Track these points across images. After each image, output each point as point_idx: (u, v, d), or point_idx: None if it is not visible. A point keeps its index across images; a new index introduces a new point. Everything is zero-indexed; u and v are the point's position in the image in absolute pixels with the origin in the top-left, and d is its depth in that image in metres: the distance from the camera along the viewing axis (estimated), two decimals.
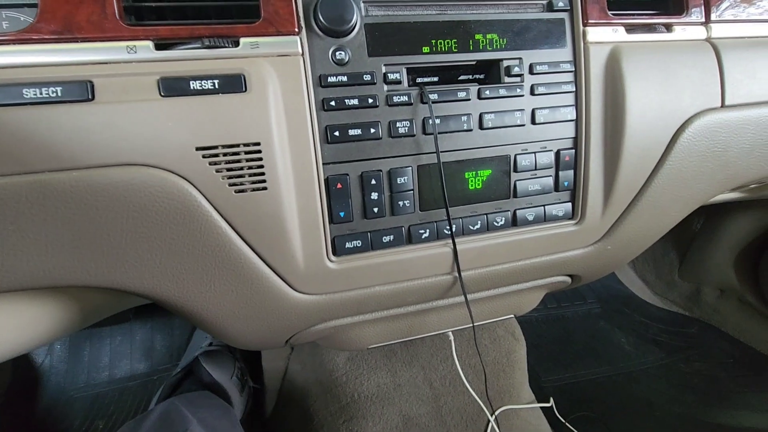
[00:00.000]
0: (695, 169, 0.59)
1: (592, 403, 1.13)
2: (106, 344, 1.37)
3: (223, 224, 0.44)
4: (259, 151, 0.44)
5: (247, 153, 0.43)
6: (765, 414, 1.08)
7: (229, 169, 0.43)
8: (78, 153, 0.39)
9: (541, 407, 0.99)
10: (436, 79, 0.53)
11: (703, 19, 0.59)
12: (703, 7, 0.58)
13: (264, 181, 0.44)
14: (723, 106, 0.58)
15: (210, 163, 0.42)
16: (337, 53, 0.47)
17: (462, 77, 0.54)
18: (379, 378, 0.88)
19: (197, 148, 0.42)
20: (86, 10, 0.40)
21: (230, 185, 0.44)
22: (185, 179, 0.42)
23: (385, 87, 0.49)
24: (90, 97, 0.39)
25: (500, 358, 0.95)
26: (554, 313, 1.52)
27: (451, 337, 0.80)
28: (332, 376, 0.90)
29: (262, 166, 0.44)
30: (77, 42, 0.40)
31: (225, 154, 0.43)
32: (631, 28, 0.55)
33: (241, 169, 0.44)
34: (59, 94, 0.38)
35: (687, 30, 0.58)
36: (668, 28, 0.57)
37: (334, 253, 0.51)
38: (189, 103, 0.41)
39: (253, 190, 0.44)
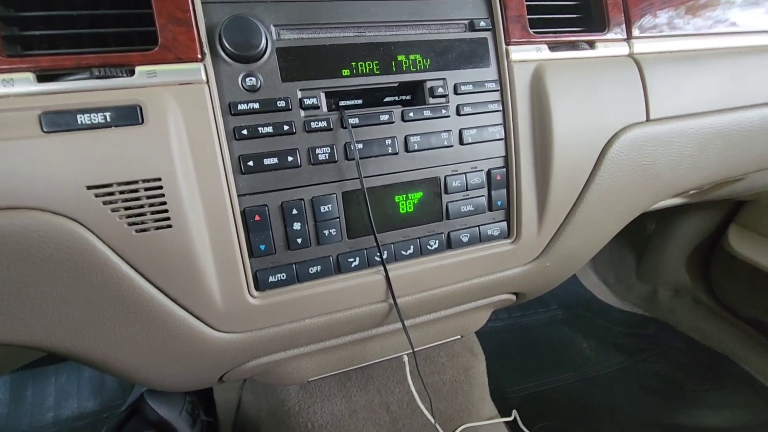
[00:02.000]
0: (626, 183, 0.60)
1: (556, 411, 1.13)
2: (51, 383, 1.28)
3: (124, 267, 0.41)
4: (161, 187, 0.40)
5: (147, 189, 0.40)
6: (722, 411, 1.11)
7: (127, 208, 0.40)
8: None
9: (504, 422, 0.98)
10: (360, 102, 0.51)
11: (625, 36, 0.59)
12: (624, 24, 0.59)
13: (168, 218, 0.41)
14: (648, 120, 0.59)
15: (104, 203, 0.39)
16: (248, 79, 0.44)
17: (387, 99, 0.52)
18: (334, 405, 0.85)
19: (88, 187, 0.38)
20: None
21: (129, 224, 0.40)
22: (75, 221, 0.39)
23: (302, 113, 0.47)
24: None
25: (458, 375, 0.94)
26: (518, 322, 1.52)
27: (405, 359, 0.78)
28: (285, 406, 0.86)
29: (164, 203, 0.41)
30: None
31: (122, 192, 0.40)
32: (554, 46, 0.56)
33: (141, 207, 0.40)
34: None
35: (609, 47, 0.58)
36: (591, 45, 0.58)
37: (257, 288, 0.48)
38: (77, 139, 0.38)
39: (157, 228, 0.41)
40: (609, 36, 0.58)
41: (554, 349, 1.40)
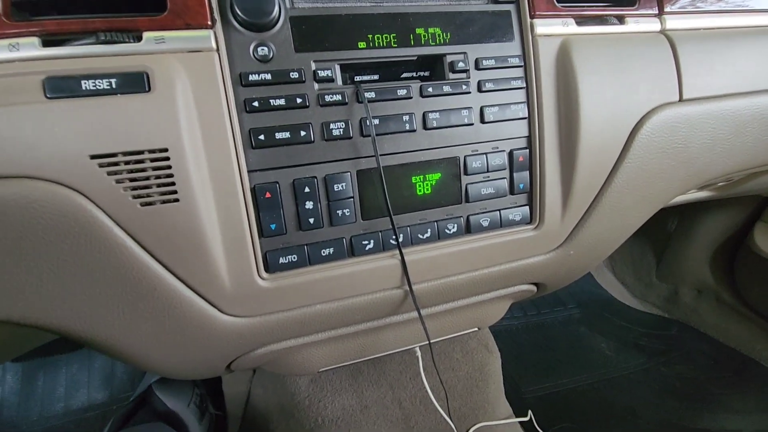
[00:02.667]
0: (656, 167, 0.56)
1: (574, 412, 1.09)
2: (62, 373, 1.28)
3: (129, 242, 0.39)
4: (167, 158, 0.39)
5: (153, 161, 0.38)
6: (747, 415, 1.06)
7: (132, 179, 0.38)
8: None
9: (519, 422, 0.95)
10: (376, 77, 0.49)
11: (657, 11, 0.56)
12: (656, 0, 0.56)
13: (175, 192, 0.39)
14: (681, 100, 0.55)
15: (108, 173, 0.37)
16: (259, 49, 0.42)
17: (405, 75, 0.50)
18: (344, 400, 0.83)
19: (92, 156, 0.37)
20: None
21: (134, 197, 0.38)
22: (78, 191, 0.37)
23: (316, 85, 0.45)
24: None
25: (473, 372, 0.91)
26: (534, 321, 1.48)
27: (419, 353, 0.75)
28: (294, 400, 0.84)
29: (171, 175, 0.39)
30: None
31: (127, 163, 0.38)
32: (581, 20, 0.52)
33: (147, 179, 0.38)
34: None
35: (640, 22, 0.55)
36: (621, 20, 0.54)
37: (267, 270, 0.46)
38: (81, 106, 0.36)
39: (163, 202, 0.39)
40: (640, 11, 0.55)
41: (571, 349, 1.36)
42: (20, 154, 0.35)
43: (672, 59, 0.55)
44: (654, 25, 0.56)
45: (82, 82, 0.36)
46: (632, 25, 0.55)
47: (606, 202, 0.56)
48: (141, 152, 0.38)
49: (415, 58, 0.48)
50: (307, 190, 0.45)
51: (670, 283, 1.48)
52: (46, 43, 0.37)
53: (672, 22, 0.57)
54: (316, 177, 0.46)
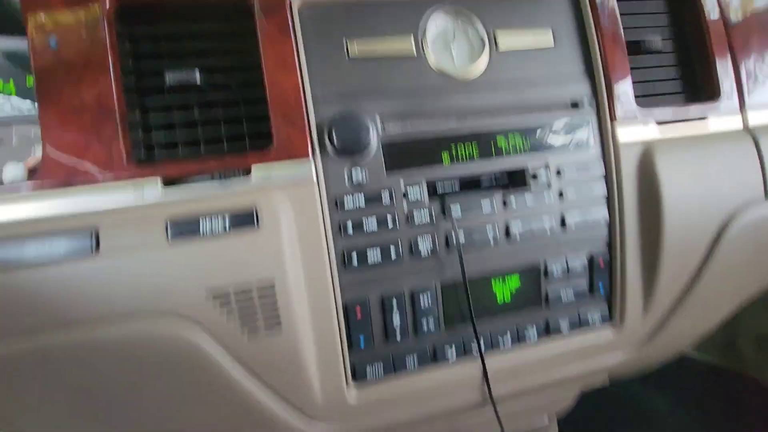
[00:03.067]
0: (744, 265, 0.55)
1: None
2: None
3: (237, 367, 0.41)
4: (273, 291, 0.41)
5: (260, 293, 0.40)
6: None
7: (241, 310, 0.40)
8: (79, 310, 0.36)
9: None
10: (457, 183, 0.50)
11: (738, 106, 0.55)
12: (737, 93, 0.55)
13: (279, 321, 0.41)
14: (767, 197, 0.54)
15: (221, 305, 0.40)
16: (353, 174, 0.44)
17: (485, 184, 0.51)
18: None
19: (207, 292, 0.39)
20: (93, 155, 0.38)
21: (242, 327, 0.40)
22: (194, 324, 0.39)
23: (405, 204, 0.46)
24: (94, 250, 0.37)
25: None
26: None
27: None
28: None
29: (276, 305, 0.41)
30: (82, 186, 0.38)
31: (236, 294, 0.40)
32: (662, 122, 0.52)
33: (254, 310, 0.40)
34: (62, 250, 0.36)
35: (722, 119, 0.54)
36: (702, 118, 0.54)
37: (354, 380, 0.47)
38: (198, 246, 0.39)
39: (267, 328, 0.41)
40: (721, 107, 0.54)
41: (622, 403, 1.31)
42: (146, 296, 0.38)
43: (756, 156, 0.54)
44: (736, 122, 0.55)
45: (201, 224, 0.39)
46: (714, 123, 0.54)
47: (690, 300, 0.54)
48: (250, 286, 0.40)
49: (497, 170, 0.49)
50: (394, 305, 0.47)
51: (729, 333, 1.41)
52: (166, 182, 0.40)
53: (755, 117, 0.55)
54: (403, 291, 0.47)
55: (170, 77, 0.41)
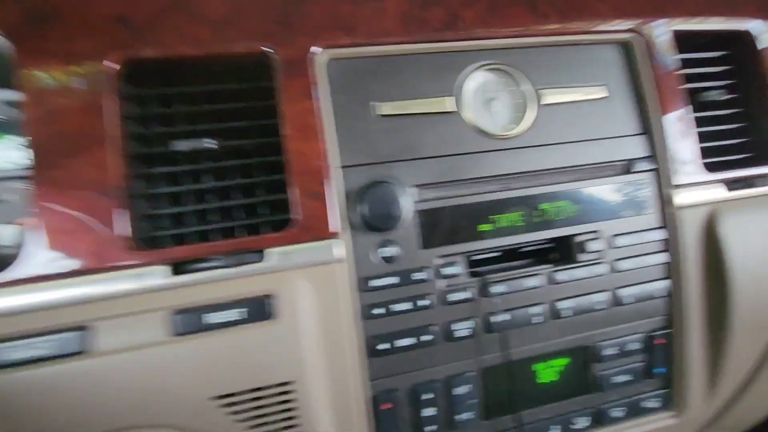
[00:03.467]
0: None
1: None
2: None
3: None
4: (291, 391, 0.35)
5: (276, 395, 0.35)
6: None
7: (253, 417, 0.35)
8: (64, 422, 0.31)
9: None
10: (498, 255, 0.44)
11: None
12: None
13: (298, 425, 0.35)
14: None
15: (229, 413, 0.34)
16: (383, 250, 0.39)
17: (528, 249, 0.45)
18: None
19: (214, 397, 0.33)
20: (87, 240, 0.33)
21: None
22: None
23: (441, 283, 0.40)
24: (81, 349, 0.32)
25: None
26: None
27: None
28: None
29: (294, 408, 0.35)
30: (74, 277, 0.33)
31: (249, 400, 0.34)
32: (727, 184, 0.46)
33: (269, 414, 0.35)
34: (45, 350, 0.31)
35: None
36: None
37: None
38: (205, 342, 0.33)
39: None
40: None
41: None
42: (141, 404, 0.32)
43: None
44: None
45: (210, 316, 0.34)
46: None
47: (760, 380, 0.48)
48: (264, 387, 0.34)
49: (542, 241, 0.43)
50: (428, 396, 0.41)
51: None
52: (173, 271, 0.35)
53: None
54: (437, 380, 0.41)
55: (182, 144, 0.36)
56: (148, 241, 0.36)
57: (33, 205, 0.33)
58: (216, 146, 0.36)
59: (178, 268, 0.35)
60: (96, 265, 0.33)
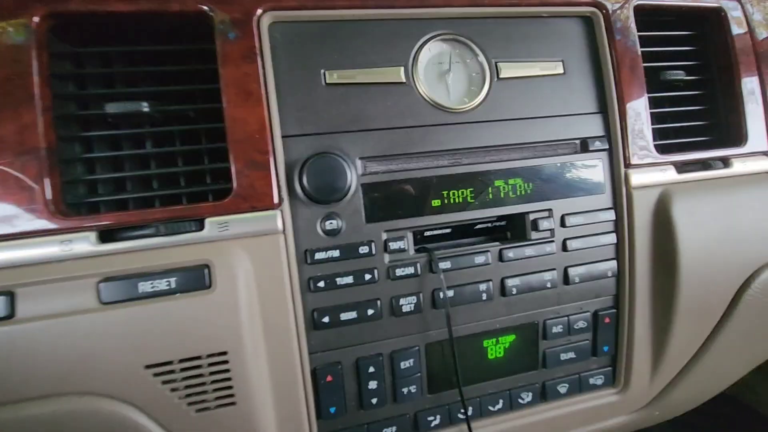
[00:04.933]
0: (763, 328, 0.49)
1: None
2: None
3: None
4: (226, 362, 0.35)
5: (211, 365, 0.34)
6: None
7: (187, 386, 0.34)
8: None
9: None
10: (448, 231, 0.44)
11: (767, 148, 0.49)
12: (766, 135, 0.49)
13: (232, 395, 0.35)
14: None
15: (163, 382, 0.34)
16: (327, 223, 0.38)
17: (479, 226, 0.45)
18: None
19: (147, 366, 0.33)
20: (10, 204, 0.32)
21: (189, 404, 0.35)
22: (129, 404, 0.33)
23: (387, 257, 0.40)
24: (8, 313, 0.31)
25: None
26: None
27: None
28: None
29: (229, 379, 0.35)
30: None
31: (183, 369, 0.34)
32: (682, 166, 0.46)
33: (203, 384, 0.35)
34: None
35: (747, 162, 0.48)
36: (725, 162, 0.48)
37: None
38: (136, 311, 0.33)
39: (219, 406, 0.35)
40: (747, 150, 0.48)
41: None
42: (72, 370, 0.32)
43: None
44: (762, 164, 0.49)
45: (139, 284, 0.33)
46: (738, 167, 0.48)
47: (703, 363, 0.49)
48: (198, 357, 0.34)
49: (494, 219, 0.43)
50: (371, 369, 0.41)
51: None
52: (102, 237, 0.34)
53: None
54: (381, 354, 0.41)
55: (115, 106, 0.35)
56: (79, 207, 0.34)
57: None
58: (148, 110, 0.34)
59: (107, 235, 0.33)
60: (21, 229, 0.32)
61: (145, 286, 0.33)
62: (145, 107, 0.35)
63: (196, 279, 0.34)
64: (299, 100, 0.38)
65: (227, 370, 0.35)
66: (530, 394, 0.46)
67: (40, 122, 0.32)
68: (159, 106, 0.36)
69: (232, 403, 0.35)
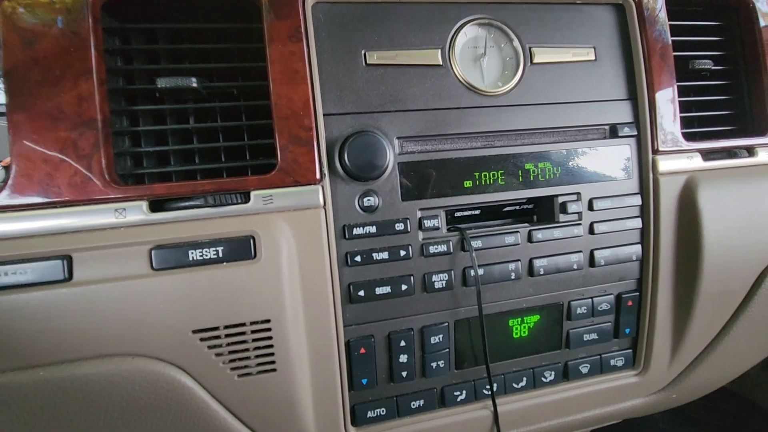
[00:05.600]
0: None
1: None
2: None
3: (222, 413, 0.37)
4: (269, 329, 0.36)
5: (254, 332, 0.36)
6: None
7: (231, 352, 0.36)
8: (47, 346, 0.32)
9: None
10: (477, 212, 0.45)
11: None
12: None
13: (273, 362, 0.37)
14: None
15: (209, 347, 0.35)
16: (366, 199, 0.39)
17: (507, 208, 0.46)
18: None
19: (194, 331, 0.34)
20: (67, 172, 0.33)
21: (232, 369, 0.36)
22: (177, 367, 0.35)
23: (421, 235, 0.41)
24: (66, 276, 0.32)
25: None
26: None
27: None
28: None
29: (271, 346, 0.36)
30: (56, 207, 0.33)
31: (228, 335, 0.35)
32: (708, 154, 0.47)
33: (246, 350, 0.36)
34: (30, 276, 0.32)
35: None
36: (750, 151, 0.49)
37: (353, 423, 0.43)
38: (186, 278, 0.34)
39: (260, 372, 0.37)
40: None
41: (623, 421, 1.27)
42: (125, 334, 0.33)
43: None
44: None
45: (189, 252, 0.34)
46: (763, 156, 0.49)
47: (722, 347, 0.50)
48: (243, 324, 0.35)
49: (523, 200, 0.44)
50: (402, 343, 0.42)
51: None
52: (153, 207, 0.35)
53: None
54: (412, 329, 0.42)
55: (166, 81, 0.36)
56: (126, 179, 0.36)
57: (15, 137, 0.32)
58: (197, 86, 0.35)
59: (157, 205, 0.35)
60: (77, 197, 0.33)
61: (194, 254, 0.34)
62: (194, 83, 0.36)
63: (242, 249, 0.35)
64: (340, 79, 0.39)
65: (269, 338, 0.36)
66: (553, 372, 0.48)
67: (97, 94, 0.34)
68: (205, 83, 0.37)
69: (273, 370, 0.37)
